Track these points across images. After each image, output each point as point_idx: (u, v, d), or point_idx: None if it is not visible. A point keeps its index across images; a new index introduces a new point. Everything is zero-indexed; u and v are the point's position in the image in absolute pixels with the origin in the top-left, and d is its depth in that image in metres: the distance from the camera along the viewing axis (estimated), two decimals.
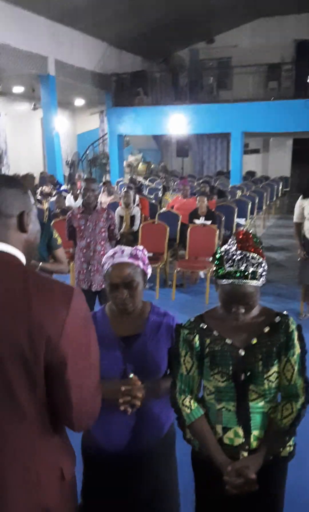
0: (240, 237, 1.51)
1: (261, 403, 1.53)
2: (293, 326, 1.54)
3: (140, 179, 12.90)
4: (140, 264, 1.73)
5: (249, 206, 8.44)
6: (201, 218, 6.30)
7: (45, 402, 1.08)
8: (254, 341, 1.54)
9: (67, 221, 4.08)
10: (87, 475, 1.83)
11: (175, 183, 11.48)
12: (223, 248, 1.53)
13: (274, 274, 6.38)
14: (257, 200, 9.37)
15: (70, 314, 1.04)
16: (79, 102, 15.64)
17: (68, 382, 1.06)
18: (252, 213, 8.89)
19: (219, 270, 1.50)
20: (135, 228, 6.61)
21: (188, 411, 1.60)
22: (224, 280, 1.48)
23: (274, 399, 1.56)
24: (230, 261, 1.47)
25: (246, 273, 1.45)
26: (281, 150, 16.85)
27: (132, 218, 6.76)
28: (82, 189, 4.02)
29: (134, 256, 1.72)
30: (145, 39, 12.92)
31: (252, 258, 1.46)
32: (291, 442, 1.62)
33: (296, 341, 1.53)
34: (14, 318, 1.01)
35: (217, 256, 1.53)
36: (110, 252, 1.75)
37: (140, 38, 12.74)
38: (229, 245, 1.52)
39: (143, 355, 1.70)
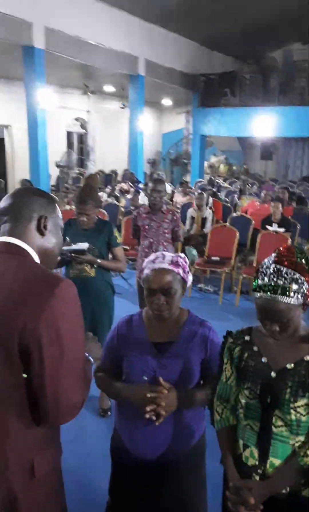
0: (281, 251, 1.44)
1: (286, 433, 1.44)
2: None
3: (219, 180, 12.76)
4: (180, 271, 1.71)
5: None
6: (273, 225, 6.10)
7: (24, 390, 1.13)
8: (290, 366, 1.46)
9: (133, 220, 4.15)
10: (114, 475, 1.87)
11: (253, 186, 11.21)
12: (263, 261, 1.48)
13: None
14: None
15: (51, 303, 1.10)
16: (166, 101, 15.81)
17: (42, 370, 1.10)
18: None
19: (253, 283, 1.45)
20: (206, 230, 6.56)
21: (218, 417, 1.58)
22: (256, 294, 1.43)
23: (304, 433, 1.44)
24: (263, 274, 1.41)
25: (276, 288, 1.38)
26: None
27: (204, 220, 6.72)
28: (149, 189, 4.07)
29: (175, 263, 1.71)
30: (238, 40, 12.71)
31: (286, 273, 1.39)
32: None
33: None
34: None
35: (257, 268, 1.48)
36: (152, 256, 1.76)
37: (233, 38, 12.55)
38: (269, 258, 1.46)
39: (175, 363, 1.68)
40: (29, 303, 1.10)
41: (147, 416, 1.59)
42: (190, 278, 1.76)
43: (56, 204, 1.31)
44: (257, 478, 1.46)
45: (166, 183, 10.58)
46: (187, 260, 1.79)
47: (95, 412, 3.28)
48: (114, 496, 1.87)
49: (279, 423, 1.44)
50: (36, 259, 1.23)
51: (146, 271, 1.72)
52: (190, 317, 1.79)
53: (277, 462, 1.45)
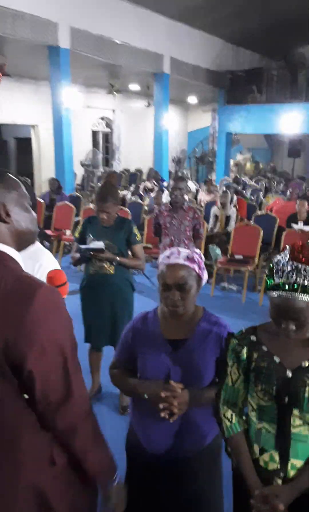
0: (295, 247, 1.40)
1: (306, 432, 1.41)
2: None
3: (245, 178, 12.62)
4: (196, 267, 1.69)
5: None
6: (299, 223, 5.98)
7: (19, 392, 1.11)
8: (306, 364, 1.42)
9: (154, 218, 4.15)
10: (129, 472, 1.86)
11: (280, 184, 11.03)
12: (276, 259, 1.44)
13: None
14: None
15: (30, 312, 1.04)
16: (192, 99, 15.72)
17: (30, 378, 1.06)
18: None
19: (268, 281, 1.41)
20: (229, 228, 6.49)
21: (228, 423, 1.54)
22: (273, 292, 1.39)
23: None
24: (279, 272, 1.37)
25: (295, 286, 1.34)
26: None
27: (228, 218, 6.65)
28: (171, 187, 4.05)
29: (190, 259, 1.69)
30: (265, 36, 12.53)
31: (304, 270, 1.35)
32: None
33: None
34: None
35: (270, 266, 1.44)
36: (167, 252, 1.74)
37: (260, 34, 12.38)
38: (283, 256, 1.42)
39: (188, 361, 1.66)
40: (7, 318, 1.03)
41: (162, 415, 1.57)
42: (205, 275, 1.74)
43: (7, 178, 1.19)
44: (280, 481, 1.42)
45: (190, 181, 10.55)
46: (203, 257, 1.76)
47: (115, 409, 3.29)
48: (130, 493, 1.87)
49: (298, 422, 1.41)
50: (11, 252, 1.17)
51: (161, 267, 1.71)
52: (205, 315, 1.76)
53: (298, 463, 1.42)
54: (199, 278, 1.71)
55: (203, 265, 1.73)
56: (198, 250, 1.76)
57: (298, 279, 1.34)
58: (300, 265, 1.35)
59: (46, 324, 1.07)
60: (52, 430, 1.13)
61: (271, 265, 1.43)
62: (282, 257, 1.41)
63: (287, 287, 1.34)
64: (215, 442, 1.78)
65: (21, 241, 1.20)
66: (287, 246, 1.43)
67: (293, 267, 1.35)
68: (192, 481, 1.72)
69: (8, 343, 1.03)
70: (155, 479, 1.74)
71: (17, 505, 1.13)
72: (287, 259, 1.38)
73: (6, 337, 1.03)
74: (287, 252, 1.40)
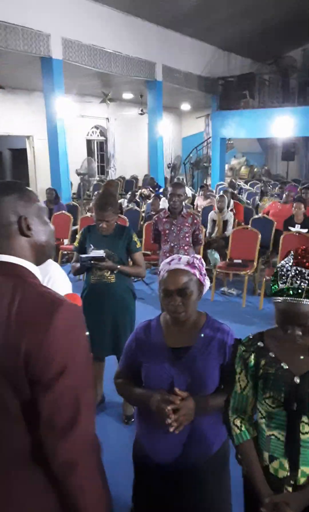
0: (298, 252, 1.40)
1: None
2: None
3: (240, 183, 12.67)
4: (197, 273, 1.68)
5: None
6: (296, 226, 6.00)
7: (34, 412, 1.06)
8: None
9: (153, 224, 4.14)
10: (137, 482, 1.84)
11: (275, 188, 11.07)
12: (280, 264, 1.44)
13: None
14: None
15: (50, 330, 1.02)
16: (185, 106, 15.82)
17: (41, 399, 1.03)
18: None
19: (272, 287, 1.41)
20: (227, 233, 6.50)
21: (237, 431, 1.53)
22: (277, 298, 1.39)
23: None
24: (284, 277, 1.37)
25: (299, 291, 1.33)
26: None
27: (225, 223, 6.67)
28: (168, 194, 4.06)
29: (191, 264, 1.69)
30: (256, 41, 12.64)
31: (308, 275, 1.35)
32: None
33: None
34: None
35: (274, 272, 1.43)
36: (168, 259, 1.74)
37: (251, 40, 12.49)
38: (286, 261, 1.42)
39: (192, 369, 1.65)
40: (29, 334, 1.02)
41: (171, 430, 1.55)
42: (207, 282, 1.73)
43: (27, 192, 1.17)
44: (290, 489, 1.41)
45: (186, 187, 10.57)
46: (203, 262, 1.76)
47: (119, 418, 3.26)
48: (137, 503, 1.85)
49: (307, 429, 1.40)
50: (32, 267, 1.15)
51: (162, 273, 1.71)
52: (207, 321, 1.75)
53: (307, 470, 1.40)
54: (200, 284, 1.71)
55: (204, 271, 1.73)
56: (198, 256, 1.76)
57: (302, 284, 1.34)
58: (304, 270, 1.35)
59: (67, 342, 1.05)
60: (51, 462, 1.05)
61: (276, 270, 1.42)
62: (285, 262, 1.41)
63: (291, 292, 1.34)
64: (222, 449, 1.77)
65: (40, 255, 1.19)
66: (291, 251, 1.43)
67: (297, 272, 1.35)
68: (199, 490, 1.71)
69: (30, 359, 1.02)
70: (163, 489, 1.72)
71: None
72: (290, 264, 1.38)
73: (29, 353, 1.02)
74: (290, 257, 1.40)
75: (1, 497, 1.08)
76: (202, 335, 1.70)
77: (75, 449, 1.04)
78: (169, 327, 1.74)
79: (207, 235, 6.62)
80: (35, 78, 9.07)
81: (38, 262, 1.19)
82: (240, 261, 5.81)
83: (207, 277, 1.74)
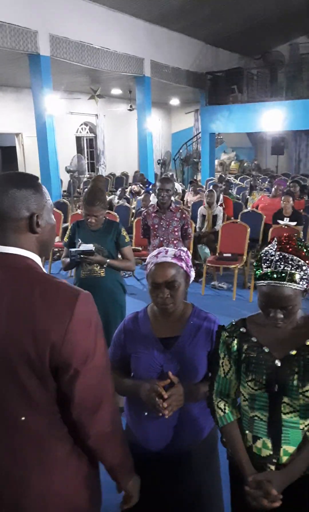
0: (283, 238, 1.45)
1: (296, 418, 1.45)
2: None
3: (230, 177, 12.73)
4: (184, 265, 1.73)
5: None
6: (285, 219, 6.07)
7: (55, 399, 1.15)
8: (293, 352, 1.46)
9: (142, 219, 4.19)
10: None
11: (265, 182, 11.14)
12: (264, 250, 1.49)
13: None
14: None
15: (73, 319, 1.08)
16: (174, 101, 15.82)
17: (72, 385, 1.11)
18: None
19: (256, 272, 1.46)
20: (217, 228, 6.55)
21: (221, 413, 1.58)
22: (261, 282, 1.44)
23: None
24: (268, 262, 1.42)
25: (283, 274, 1.38)
26: None
27: (215, 217, 6.72)
28: (157, 189, 4.10)
29: (178, 257, 1.73)
30: (243, 36, 12.69)
31: (291, 259, 1.39)
32: None
33: None
34: (20, 326, 1.07)
35: (258, 257, 1.48)
36: (155, 251, 1.78)
37: (238, 35, 12.53)
38: (270, 247, 1.47)
39: (181, 358, 1.70)
40: (52, 323, 1.08)
41: (162, 413, 1.59)
42: (192, 273, 1.78)
43: (40, 188, 1.17)
44: (273, 467, 1.47)
45: (176, 183, 10.61)
46: (190, 254, 1.80)
47: None
48: None
49: (288, 409, 1.45)
50: (38, 260, 1.19)
51: (150, 266, 1.74)
52: (194, 311, 1.80)
53: (290, 449, 1.46)
54: (187, 275, 1.75)
55: (190, 263, 1.77)
56: (184, 248, 1.80)
57: (285, 268, 1.38)
58: (287, 255, 1.40)
59: (88, 329, 1.12)
60: (84, 437, 1.18)
61: (259, 255, 1.47)
62: (269, 248, 1.45)
63: (275, 275, 1.38)
64: (212, 434, 1.82)
65: (43, 250, 1.22)
66: (275, 238, 1.48)
67: (281, 257, 1.40)
68: (191, 475, 1.75)
69: (54, 347, 1.07)
70: (155, 475, 1.75)
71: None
72: (274, 249, 1.43)
73: (53, 342, 1.07)
74: (274, 243, 1.45)
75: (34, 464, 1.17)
76: (192, 322, 1.75)
77: (105, 421, 1.19)
78: (156, 318, 1.78)
79: (197, 230, 6.67)
80: (23, 75, 9.04)
81: (40, 257, 1.22)
82: (229, 254, 5.87)
83: (192, 268, 1.78)
